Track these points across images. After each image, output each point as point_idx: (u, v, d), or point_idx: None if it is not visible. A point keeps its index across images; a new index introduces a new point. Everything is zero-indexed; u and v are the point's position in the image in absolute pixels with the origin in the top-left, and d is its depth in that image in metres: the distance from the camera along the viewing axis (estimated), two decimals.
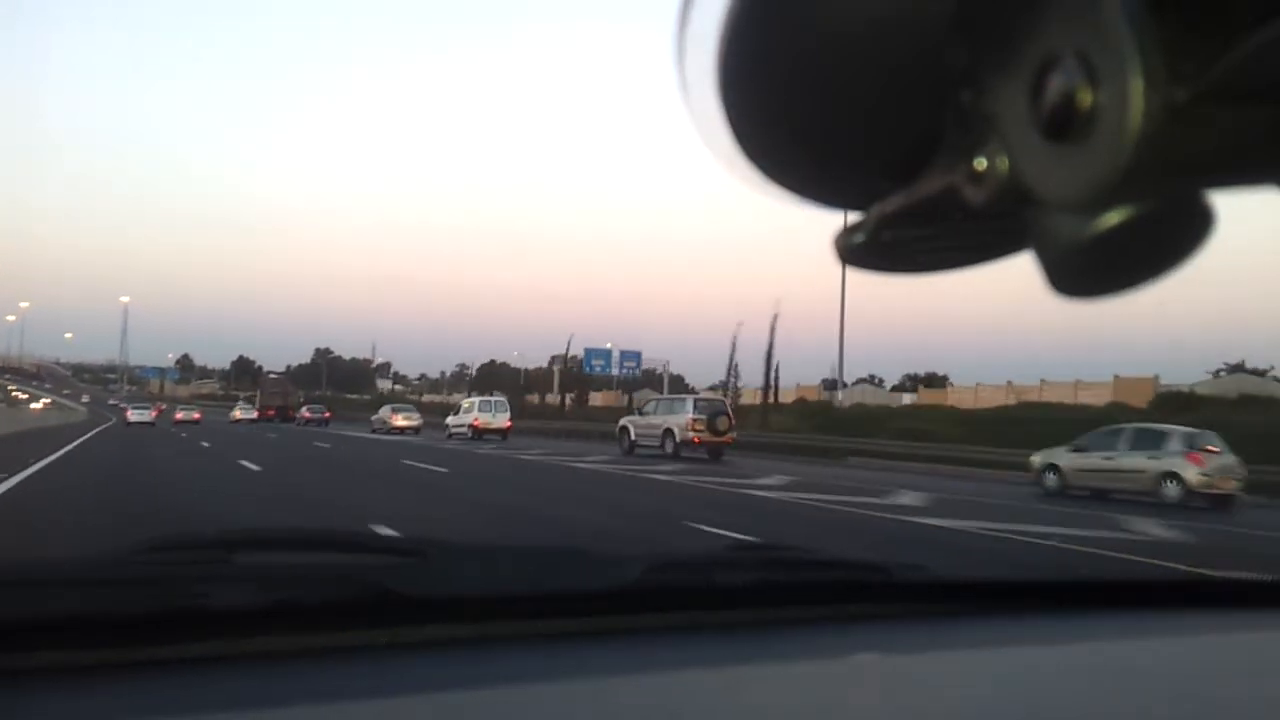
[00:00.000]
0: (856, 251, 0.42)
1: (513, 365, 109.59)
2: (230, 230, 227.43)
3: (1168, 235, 0.36)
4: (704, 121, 0.38)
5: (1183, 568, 7.73)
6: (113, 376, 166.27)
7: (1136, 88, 0.30)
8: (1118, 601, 1.40)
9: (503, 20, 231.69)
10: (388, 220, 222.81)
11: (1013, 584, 1.41)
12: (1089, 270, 0.36)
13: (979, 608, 1.32)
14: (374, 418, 45.99)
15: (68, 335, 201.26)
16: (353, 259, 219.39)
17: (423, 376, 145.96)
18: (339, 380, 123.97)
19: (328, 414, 57.87)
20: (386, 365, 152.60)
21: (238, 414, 64.59)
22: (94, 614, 0.88)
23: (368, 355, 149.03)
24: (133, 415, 52.57)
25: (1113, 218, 0.34)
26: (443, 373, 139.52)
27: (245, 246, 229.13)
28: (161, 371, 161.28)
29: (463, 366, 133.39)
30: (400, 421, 43.34)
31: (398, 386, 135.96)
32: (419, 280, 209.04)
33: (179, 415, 58.38)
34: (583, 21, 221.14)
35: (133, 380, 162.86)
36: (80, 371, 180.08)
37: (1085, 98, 0.32)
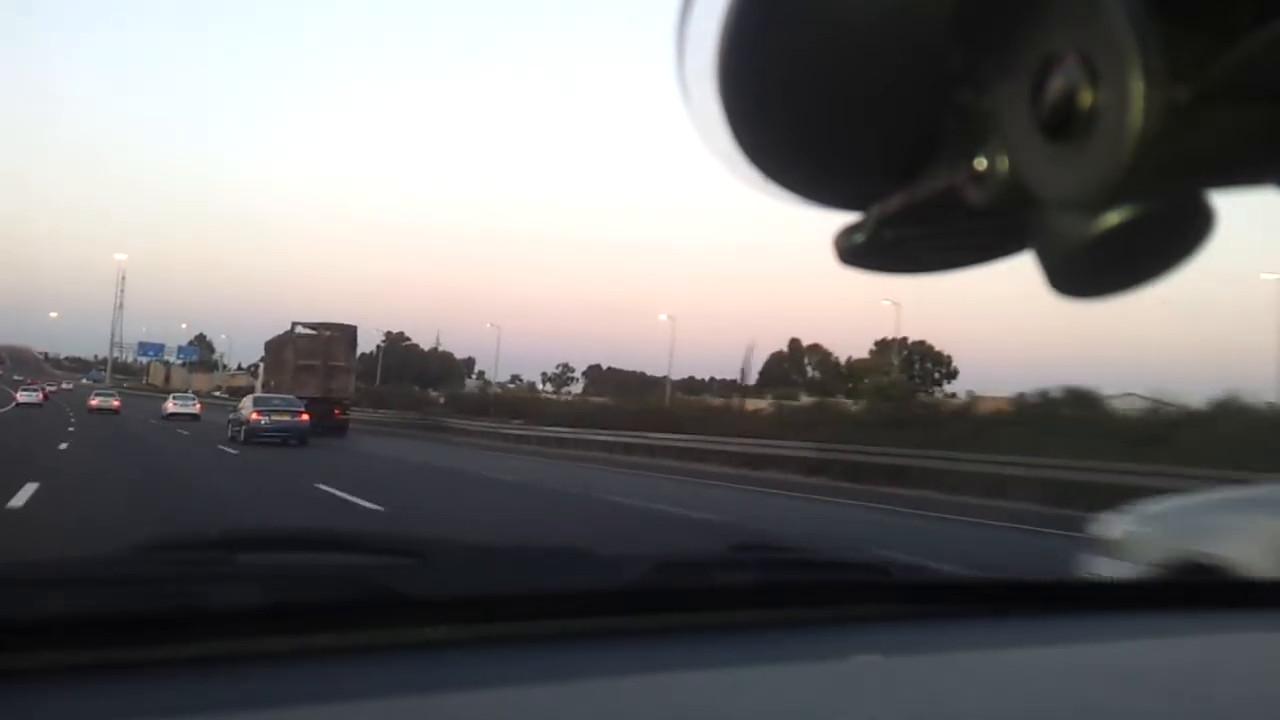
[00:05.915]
0: (857, 251, 0.42)
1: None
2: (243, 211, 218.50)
3: (1168, 235, 0.36)
4: (704, 121, 0.39)
5: None
6: (100, 362, 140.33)
7: (1137, 88, 0.30)
8: (1118, 601, 1.40)
9: None
10: (471, 203, 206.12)
11: (1013, 584, 1.41)
12: (1089, 270, 0.36)
13: (979, 608, 1.32)
14: None
15: (52, 314, 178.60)
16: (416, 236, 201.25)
17: (516, 378, 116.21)
18: (408, 376, 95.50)
19: (304, 415, 26.68)
20: (470, 361, 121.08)
21: (170, 406, 45.69)
22: (94, 614, 0.88)
23: (432, 345, 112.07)
24: (22, 397, 51.87)
25: (1113, 218, 0.34)
26: (544, 374, 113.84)
27: (274, 225, 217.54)
28: (163, 358, 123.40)
29: (565, 367, 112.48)
30: None
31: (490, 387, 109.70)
32: (478, 278, 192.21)
33: (94, 402, 48.24)
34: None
35: (122, 369, 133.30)
36: (60, 362, 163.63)
37: (1086, 97, 0.32)
